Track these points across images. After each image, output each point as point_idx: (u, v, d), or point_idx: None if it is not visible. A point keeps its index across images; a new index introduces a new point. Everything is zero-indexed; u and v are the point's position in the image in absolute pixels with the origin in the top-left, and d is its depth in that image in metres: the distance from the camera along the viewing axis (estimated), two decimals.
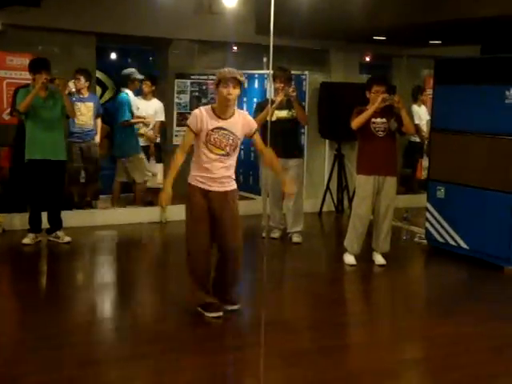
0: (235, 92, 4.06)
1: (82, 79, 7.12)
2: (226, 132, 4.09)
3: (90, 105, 7.21)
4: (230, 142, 4.11)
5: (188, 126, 4.13)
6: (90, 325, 4.29)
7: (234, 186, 4.25)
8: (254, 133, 4.26)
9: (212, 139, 4.07)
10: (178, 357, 3.75)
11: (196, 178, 4.16)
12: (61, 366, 3.55)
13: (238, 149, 4.21)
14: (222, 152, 4.10)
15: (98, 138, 7.42)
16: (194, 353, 3.85)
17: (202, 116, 4.09)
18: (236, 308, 4.37)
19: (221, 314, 4.23)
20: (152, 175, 7.78)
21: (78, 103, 7.11)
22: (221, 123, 4.09)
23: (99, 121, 7.48)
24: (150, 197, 7.67)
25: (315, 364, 3.71)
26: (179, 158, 4.15)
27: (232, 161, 4.20)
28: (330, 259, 6.26)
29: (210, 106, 4.22)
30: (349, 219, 5.89)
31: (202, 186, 4.14)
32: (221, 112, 4.12)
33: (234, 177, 4.26)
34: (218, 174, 4.13)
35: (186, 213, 4.24)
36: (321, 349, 3.94)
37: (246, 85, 4.51)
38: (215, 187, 4.15)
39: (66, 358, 3.66)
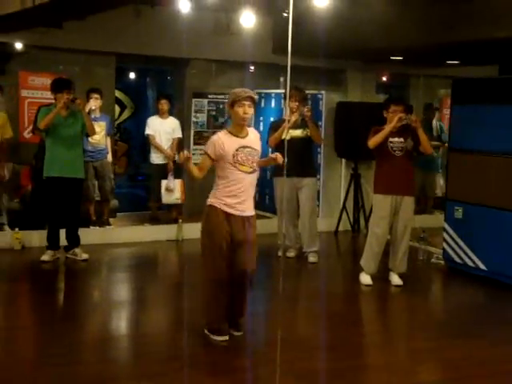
0: (251, 111, 4.10)
1: (99, 98, 7.23)
2: (249, 149, 4.13)
3: (103, 124, 7.32)
4: (255, 158, 4.16)
5: (206, 153, 4.13)
6: (105, 342, 4.31)
7: (253, 210, 4.24)
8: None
9: (239, 158, 4.08)
10: (193, 375, 3.74)
11: (221, 200, 4.09)
12: (75, 382, 3.56)
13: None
14: (250, 169, 4.12)
15: (110, 157, 7.53)
16: (209, 371, 3.84)
17: (222, 140, 4.10)
18: (240, 334, 4.28)
19: (227, 338, 4.16)
20: (170, 191, 7.81)
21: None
22: (242, 142, 4.12)
23: (109, 140, 7.58)
24: (175, 213, 7.73)
25: None
26: (198, 175, 4.13)
27: (256, 177, 4.22)
28: (346, 279, 6.23)
29: (224, 130, 4.26)
30: (365, 239, 5.87)
31: (226, 208, 4.08)
32: (237, 132, 4.15)
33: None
34: (246, 193, 4.11)
35: (203, 236, 4.17)
36: (335, 369, 3.91)
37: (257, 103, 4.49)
38: (239, 211, 4.10)
39: (81, 374, 3.68)
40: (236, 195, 4.09)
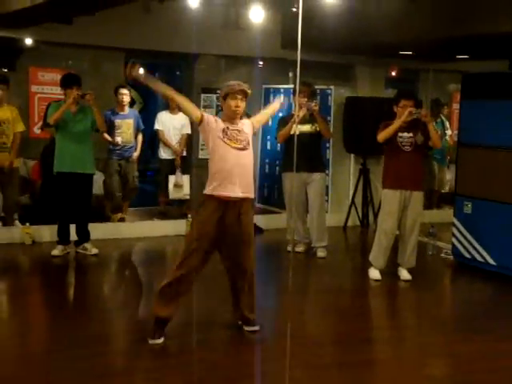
0: (243, 105, 4.09)
1: (127, 94, 7.22)
2: (238, 131, 4.10)
3: (130, 122, 7.31)
4: (243, 137, 4.10)
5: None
6: (115, 336, 4.35)
7: (252, 194, 4.14)
8: (252, 122, 4.27)
9: (228, 133, 4.05)
10: (205, 369, 3.77)
11: (213, 184, 4.00)
12: (88, 375, 3.60)
13: (251, 145, 4.15)
14: (239, 146, 4.05)
15: (135, 155, 7.43)
16: (218, 365, 3.86)
17: (215, 118, 4.13)
18: (256, 329, 4.27)
19: (160, 341, 4.05)
20: (178, 187, 7.84)
21: (119, 121, 7.21)
22: (233, 126, 4.11)
23: (140, 137, 7.48)
24: (184, 208, 7.76)
25: (338, 378, 3.71)
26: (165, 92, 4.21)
27: (250, 158, 4.13)
28: (355, 274, 6.24)
29: (218, 116, 4.28)
30: (374, 234, 5.87)
31: (221, 191, 3.97)
32: (228, 122, 4.13)
33: (253, 184, 4.19)
34: (237, 171, 4.01)
35: (192, 225, 4.16)
36: (344, 364, 3.93)
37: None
38: (234, 190, 3.98)
39: (93, 367, 3.70)
40: (227, 174, 3.98)
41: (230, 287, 4.29)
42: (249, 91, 4.12)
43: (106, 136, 7.09)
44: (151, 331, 4.09)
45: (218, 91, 8.38)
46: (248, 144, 4.13)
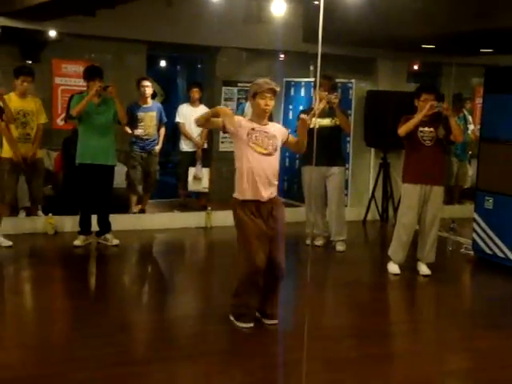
0: (272, 103, 4.11)
1: (149, 86, 7.24)
2: (265, 133, 4.12)
3: (153, 114, 7.31)
4: (271, 142, 4.12)
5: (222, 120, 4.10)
6: (135, 325, 4.41)
7: (274, 193, 4.20)
8: (288, 136, 4.29)
9: (254, 137, 4.07)
10: (222, 361, 3.81)
11: (240, 188, 4.09)
12: (108, 363, 3.66)
13: (278, 150, 4.18)
14: (265, 151, 4.08)
15: (157, 148, 7.40)
16: (236, 356, 3.90)
17: (240, 119, 4.17)
18: (275, 323, 4.30)
19: (251, 325, 4.18)
20: (197, 179, 7.87)
21: (141, 113, 7.21)
22: (261, 127, 4.13)
23: (162, 130, 7.49)
24: (204, 201, 7.80)
25: (356, 371, 3.72)
26: (201, 121, 4.24)
27: (276, 163, 4.17)
28: (374, 268, 6.23)
29: (248, 117, 4.30)
30: (393, 228, 5.86)
31: (250, 195, 4.08)
32: (257, 121, 4.16)
33: (277, 183, 4.23)
34: (264, 175, 4.08)
35: (236, 227, 4.15)
36: (363, 357, 3.94)
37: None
38: (259, 194, 4.08)
39: (112, 356, 3.76)
40: (252, 179, 4.05)
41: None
42: (277, 89, 4.14)
43: (127, 129, 7.14)
44: (238, 316, 4.19)
45: (239, 84, 8.52)
46: (275, 150, 4.14)
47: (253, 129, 4.09)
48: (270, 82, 4.11)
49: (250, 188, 4.08)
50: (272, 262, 4.16)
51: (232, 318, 4.25)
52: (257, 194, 4.10)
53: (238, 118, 4.18)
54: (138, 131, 7.21)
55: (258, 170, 4.06)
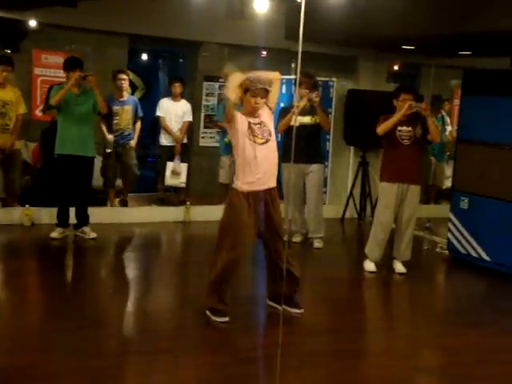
0: (262, 101, 4.19)
1: (126, 79, 7.17)
2: (260, 124, 4.21)
3: (129, 108, 7.23)
4: (265, 129, 4.22)
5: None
6: (112, 318, 4.40)
7: (275, 182, 4.32)
8: (270, 106, 4.33)
9: (252, 129, 4.17)
10: (197, 354, 3.83)
11: (241, 180, 4.18)
12: (84, 356, 3.65)
13: (273, 134, 4.28)
14: (263, 140, 4.19)
15: (133, 142, 7.34)
16: (212, 350, 3.93)
17: (240, 115, 4.21)
18: (300, 312, 4.39)
19: (227, 319, 4.23)
20: (175, 174, 7.86)
21: (117, 107, 7.13)
22: (255, 120, 4.21)
23: (138, 124, 7.42)
24: (182, 196, 7.80)
25: (330, 366, 3.77)
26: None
27: (273, 149, 4.26)
28: (351, 265, 6.29)
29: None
30: (370, 226, 5.92)
31: (246, 187, 4.16)
32: (249, 114, 4.23)
33: (276, 172, 4.35)
34: (263, 165, 4.17)
35: (224, 215, 4.23)
36: (336, 352, 3.99)
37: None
38: (258, 185, 4.18)
39: (88, 349, 3.76)
40: (254, 169, 4.15)
41: (267, 270, 4.41)
42: (270, 88, 4.20)
43: (103, 127, 7.09)
44: (214, 310, 4.24)
45: (221, 79, 8.52)
46: (270, 135, 4.24)
47: (249, 122, 4.17)
48: (263, 82, 4.17)
49: (250, 179, 4.17)
50: (276, 253, 4.26)
51: (208, 313, 4.28)
52: (256, 184, 4.18)
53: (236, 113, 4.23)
54: (109, 136, 7.11)
55: (259, 159, 4.16)
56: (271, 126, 4.29)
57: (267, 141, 4.21)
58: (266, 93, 4.17)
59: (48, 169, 6.82)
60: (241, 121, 4.17)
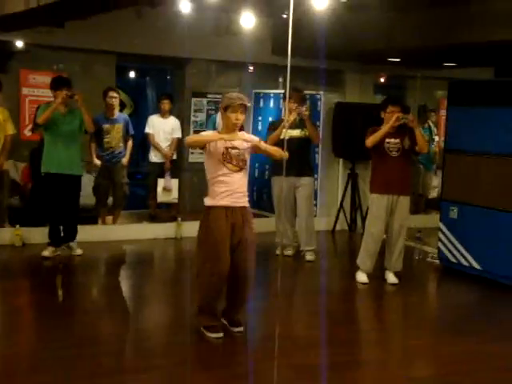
0: (242, 117, 4.24)
1: (117, 97, 7.15)
2: (237, 151, 4.24)
3: (120, 126, 7.15)
4: (241, 157, 4.25)
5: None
6: (104, 337, 4.38)
7: (247, 203, 4.32)
8: (258, 143, 4.36)
9: (228, 157, 4.20)
10: (193, 370, 3.82)
11: (216, 195, 4.19)
12: (76, 376, 3.64)
13: (248, 163, 4.31)
14: (237, 168, 4.23)
15: (125, 160, 7.24)
16: (207, 366, 3.92)
17: (215, 136, 4.26)
18: (241, 330, 4.35)
19: (221, 335, 4.23)
20: (167, 190, 7.87)
21: (107, 125, 7.04)
22: (232, 143, 4.22)
23: (130, 143, 7.31)
24: (174, 212, 7.80)
25: (326, 379, 3.77)
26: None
27: (245, 176, 4.31)
28: (343, 277, 6.31)
29: (215, 131, 4.39)
30: (362, 238, 5.95)
31: (223, 201, 4.18)
32: (227, 133, 4.25)
33: (246, 194, 4.34)
34: (236, 185, 4.21)
35: (200, 236, 4.24)
36: (331, 364, 3.98)
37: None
38: (235, 201, 4.20)
39: (81, 368, 3.75)
40: (225, 190, 4.18)
41: (227, 289, 4.34)
42: (249, 104, 4.27)
43: (92, 149, 7.07)
44: (207, 327, 4.22)
45: (209, 95, 8.57)
46: (245, 164, 4.28)
47: (226, 148, 4.19)
48: (242, 97, 4.23)
49: (221, 197, 4.19)
50: (237, 269, 4.22)
51: (203, 330, 4.27)
52: (228, 201, 4.20)
53: (213, 136, 4.27)
54: (96, 161, 7.09)
55: (231, 183, 4.20)
56: (247, 155, 4.30)
57: (241, 169, 4.25)
58: (244, 108, 4.22)
59: (38, 188, 6.79)
60: (215, 145, 4.19)
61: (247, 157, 4.31)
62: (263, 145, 4.45)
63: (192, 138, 4.70)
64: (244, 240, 4.23)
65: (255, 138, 4.43)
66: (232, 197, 4.21)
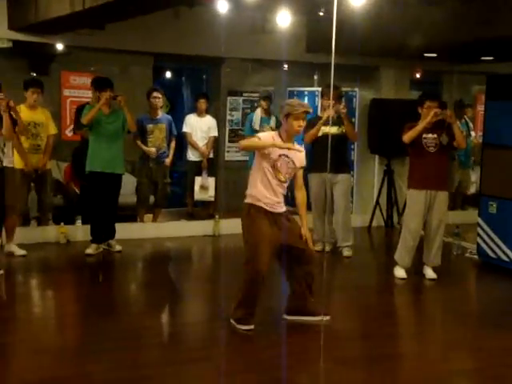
0: (304, 124, 4.36)
1: (160, 98, 7.22)
2: (288, 160, 4.30)
3: (163, 126, 7.23)
4: (290, 170, 4.33)
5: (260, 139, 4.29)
6: (144, 330, 4.45)
7: (284, 208, 4.42)
8: (300, 169, 4.45)
9: (279, 164, 4.27)
10: (233, 362, 3.89)
11: (261, 198, 4.26)
12: (122, 366, 3.75)
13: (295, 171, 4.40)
14: (283, 179, 4.31)
15: (167, 160, 7.26)
16: (248, 358, 3.98)
17: (274, 139, 4.29)
18: (320, 319, 4.37)
19: (252, 327, 4.28)
20: (204, 188, 7.97)
21: (151, 126, 7.12)
22: (287, 152, 4.27)
23: (173, 143, 7.36)
24: (210, 209, 7.89)
25: (366, 371, 3.82)
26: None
27: (285, 187, 4.39)
28: (381, 272, 6.33)
29: (277, 132, 4.42)
30: (398, 234, 5.96)
31: (266, 207, 4.27)
32: (287, 141, 4.31)
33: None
34: (275, 196, 4.30)
35: (244, 231, 4.30)
36: (371, 357, 4.04)
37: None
38: (272, 208, 4.30)
39: (127, 359, 3.86)
40: (267, 196, 4.27)
41: (295, 282, 4.46)
42: (310, 110, 4.37)
43: (140, 144, 7.12)
44: (239, 320, 4.30)
45: (244, 94, 8.65)
46: (289, 178, 4.36)
47: (280, 155, 4.25)
48: (304, 105, 4.35)
49: (267, 203, 4.28)
50: (303, 257, 4.34)
51: (233, 322, 4.34)
52: (271, 208, 4.30)
53: (272, 137, 4.30)
54: (152, 149, 7.09)
55: (272, 191, 4.29)
56: (295, 171, 4.35)
57: (285, 182, 4.33)
58: (306, 114, 4.31)
59: (86, 187, 6.92)
60: (272, 151, 4.24)
61: (296, 165, 4.35)
62: (300, 177, 4.49)
63: (247, 142, 4.67)
64: (292, 228, 4.34)
65: (303, 163, 4.44)
66: (271, 204, 4.30)
